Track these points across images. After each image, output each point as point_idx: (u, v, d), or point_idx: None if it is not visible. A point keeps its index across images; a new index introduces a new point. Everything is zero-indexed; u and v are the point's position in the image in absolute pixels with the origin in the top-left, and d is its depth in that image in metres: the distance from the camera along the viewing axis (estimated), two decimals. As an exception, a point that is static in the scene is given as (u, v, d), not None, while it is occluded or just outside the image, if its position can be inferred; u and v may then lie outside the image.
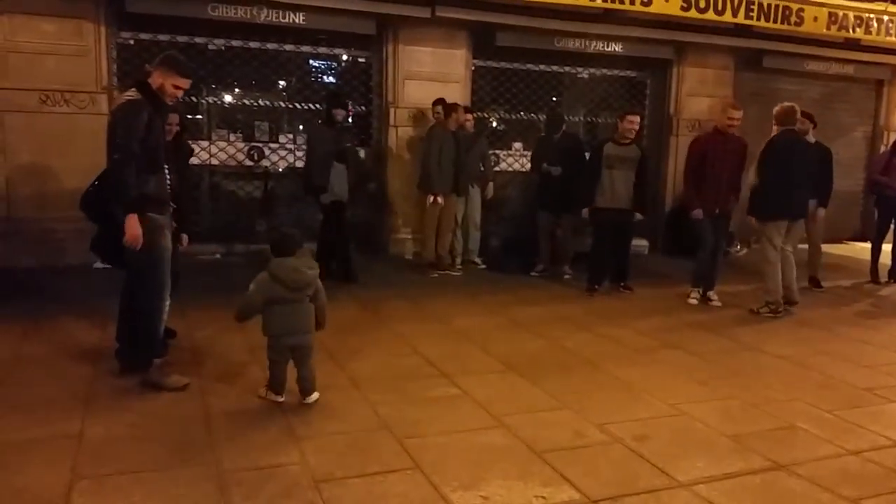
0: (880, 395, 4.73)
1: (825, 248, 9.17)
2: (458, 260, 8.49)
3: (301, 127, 9.10)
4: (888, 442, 3.95)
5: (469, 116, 8.25)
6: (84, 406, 4.00)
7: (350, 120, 7.64)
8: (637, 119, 7.34)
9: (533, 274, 8.22)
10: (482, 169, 8.47)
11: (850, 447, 3.85)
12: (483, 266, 8.52)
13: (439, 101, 8.07)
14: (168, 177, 4.61)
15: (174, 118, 5.15)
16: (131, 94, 4.26)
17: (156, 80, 4.29)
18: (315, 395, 4.15)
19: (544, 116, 9.07)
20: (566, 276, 8.16)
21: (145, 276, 4.34)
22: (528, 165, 9.72)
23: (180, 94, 4.39)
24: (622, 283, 7.54)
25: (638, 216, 7.37)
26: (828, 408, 4.42)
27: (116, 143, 4.14)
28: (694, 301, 7.17)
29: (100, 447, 3.52)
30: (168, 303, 4.50)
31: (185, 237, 5.24)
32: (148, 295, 4.37)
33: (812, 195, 7.36)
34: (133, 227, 4.12)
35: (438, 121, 8.01)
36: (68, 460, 3.35)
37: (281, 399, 4.11)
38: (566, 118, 9.96)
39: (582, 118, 10.46)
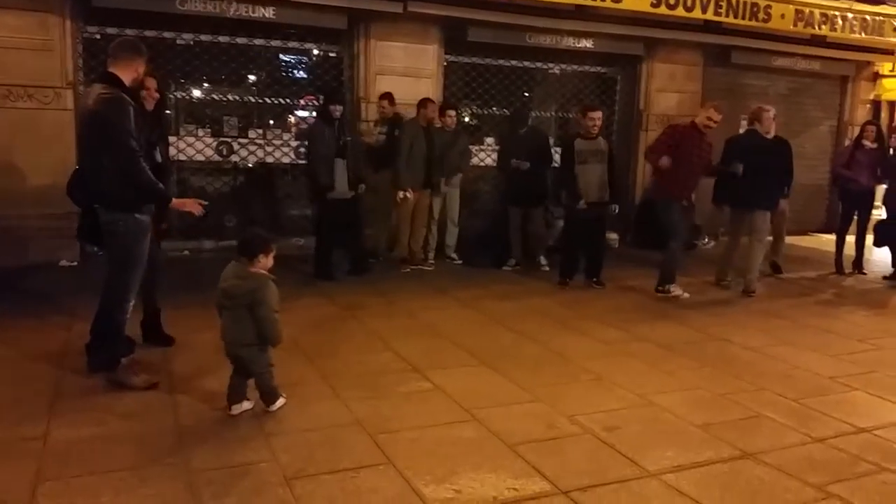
0: (844, 383, 4.83)
1: (791, 239, 9.34)
2: (432, 255, 8.50)
3: (272, 122, 9.04)
4: (852, 429, 4.03)
5: (452, 113, 8.25)
6: (49, 406, 3.94)
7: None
8: (598, 114, 7.40)
9: (505, 268, 8.25)
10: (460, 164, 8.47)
11: (816, 435, 3.93)
12: (459, 261, 8.53)
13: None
14: (158, 155, 4.74)
15: (152, 83, 4.91)
16: (108, 90, 4.12)
17: (130, 72, 4.20)
18: (277, 404, 3.97)
19: (509, 113, 9.10)
20: (543, 268, 8.22)
21: (117, 276, 4.30)
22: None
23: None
24: (594, 279, 7.57)
25: (614, 207, 7.42)
26: (794, 397, 4.50)
27: (121, 143, 4.05)
28: (683, 294, 7.08)
29: (66, 448, 3.47)
30: (132, 303, 4.43)
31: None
32: (116, 292, 4.32)
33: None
34: (185, 204, 4.32)
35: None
36: (33, 462, 3.30)
37: (230, 413, 3.90)
38: (536, 114, 10.07)
39: (553, 114, 10.51)
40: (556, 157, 8.35)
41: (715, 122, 6.98)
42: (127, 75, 4.20)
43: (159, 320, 5.11)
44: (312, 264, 7.50)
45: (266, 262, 3.89)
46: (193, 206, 4.37)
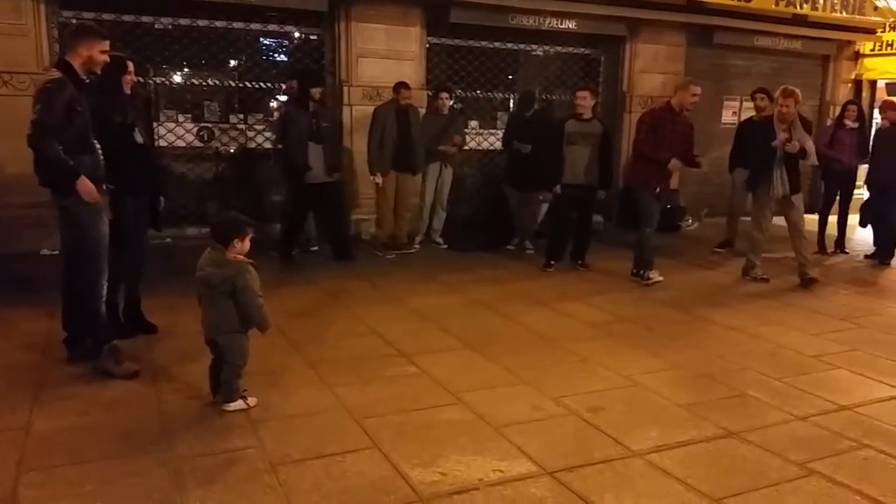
0: (827, 361, 4.88)
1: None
2: (418, 238, 8.48)
3: (254, 107, 8.95)
4: (834, 406, 4.08)
5: (444, 96, 8.18)
6: (32, 396, 3.91)
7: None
8: (586, 94, 7.30)
9: (509, 247, 8.33)
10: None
11: (799, 413, 3.97)
12: (444, 246, 8.50)
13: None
14: (139, 135, 4.70)
15: (130, 66, 4.87)
16: (53, 73, 4.12)
17: (81, 54, 4.12)
18: (233, 405, 3.78)
19: (516, 95, 9.02)
20: (528, 251, 8.25)
21: (83, 261, 4.25)
22: (485, 143, 9.78)
23: (107, 58, 4.22)
24: (580, 261, 7.57)
25: (601, 193, 7.38)
26: (777, 376, 4.54)
27: (32, 120, 3.96)
28: (660, 278, 6.97)
29: (49, 438, 3.45)
30: (105, 286, 4.37)
31: (161, 199, 5.14)
32: (85, 280, 4.28)
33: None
34: (86, 187, 4.05)
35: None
36: (15, 452, 3.27)
37: (222, 408, 3.80)
38: (546, 97, 10.03)
39: (537, 95, 10.45)
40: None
41: (698, 95, 6.95)
42: (76, 60, 4.14)
43: (140, 308, 5.07)
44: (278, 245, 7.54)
45: (242, 246, 3.77)
46: (91, 196, 4.10)
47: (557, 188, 7.28)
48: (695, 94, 6.90)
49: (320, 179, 7.35)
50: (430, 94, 8.94)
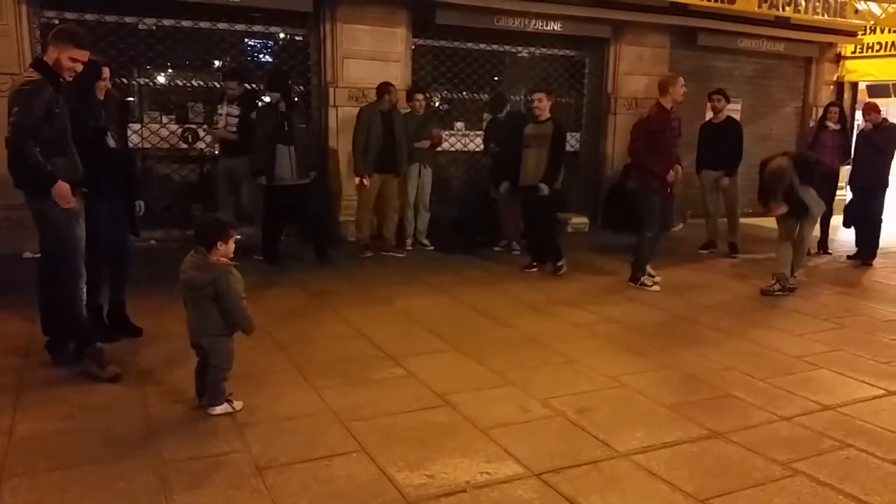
0: (810, 362, 4.92)
1: (757, 220, 9.48)
2: (409, 241, 8.47)
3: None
4: (817, 406, 4.12)
5: (419, 97, 8.20)
6: (15, 400, 3.87)
7: (296, 99, 7.53)
8: (541, 96, 7.33)
9: (497, 249, 8.39)
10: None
11: (782, 413, 4.00)
12: (431, 247, 8.50)
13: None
14: (111, 140, 4.68)
15: (105, 72, 4.89)
16: (29, 74, 4.05)
17: (50, 55, 4.06)
18: (218, 409, 3.75)
19: (487, 97, 9.06)
20: (514, 252, 8.31)
21: (58, 264, 4.22)
22: (471, 145, 9.80)
23: (79, 67, 4.13)
24: (554, 263, 7.44)
25: (543, 188, 7.18)
26: (761, 376, 4.58)
27: (10, 122, 3.91)
28: (653, 286, 6.88)
29: (32, 442, 3.41)
30: (84, 289, 4.33)
31: (140, 203, 5.09)
32: (62, 284, 4.24)
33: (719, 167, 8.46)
34: (62, 191, 4.00)
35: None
36: (-1, 457, 3.24)
37: (207, 412, 3.77)
38: (517, 98, 10.05)
39: (522, 97, 10.48)
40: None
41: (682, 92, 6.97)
42: (50, 58, 4.09)
43: (125, 311, 5.04)
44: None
45: (226, 248, 3.73)
46: (65, 200, 4.07)
47: (502, 187, 7.35)
48: (683, 86, 6.94)
49: (289, 182, 7.27)
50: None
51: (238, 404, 3.83)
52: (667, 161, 6.77)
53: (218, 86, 8.64)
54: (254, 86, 8.41)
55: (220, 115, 7.67)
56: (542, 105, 7.29)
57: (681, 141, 7.04)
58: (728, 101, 8.83)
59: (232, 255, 3.79)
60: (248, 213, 8.62)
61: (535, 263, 7.51)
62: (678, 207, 9.68)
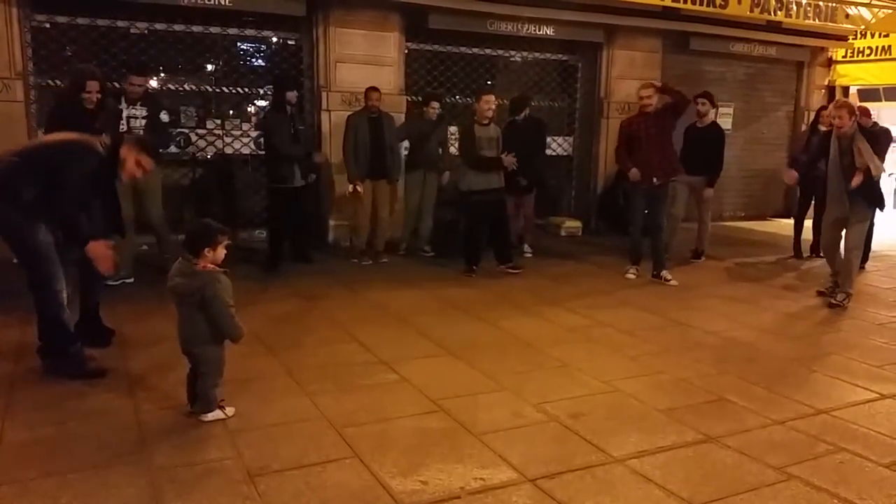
0: (805, 365, 4.93)
1: (750, 224, 9.52)
2: (403, 245, 8.42)
3: (232, 112, 8.88)
4: (811, 410, 4.11)
5: (436, 104, 8.11)
6: (5, 407, 3.83)
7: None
8: (491, 98, 7.39)
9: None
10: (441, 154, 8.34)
11: (777, 417, 4.00)
12: (431, 254, 8.40)
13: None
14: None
15: (94, 86, 5.18)
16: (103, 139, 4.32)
17: (124, 150, 4.28)
18: (210, 416, 3.72)
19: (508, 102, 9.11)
20: (526, 254, 8.39)
21: (27, 269, 4.26)
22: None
23: (139, 173, 4.39)
24: (507, 264, 7.55)
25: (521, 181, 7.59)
26: (755, 380, 4.58)
27: (71, 193, 4.12)
28: (631, 276, 7.42)
29: (23, 449, 3.38)
30: (65, 293, 4.33)
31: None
32: (34, 288, 4.26)
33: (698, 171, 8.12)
34: (100, 251, 4.19)
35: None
36: (-12, 465, 3.21)
37: (199, 419, 3.74)
38: (535, 103, 10.02)
39: (531, 101, 10.47)
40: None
41: (644, 97, 7.15)
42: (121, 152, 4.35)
43: (98, 313, 4.99)
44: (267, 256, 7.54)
45: (215, 255, 3.67)
46: (108, 262, 4.28)
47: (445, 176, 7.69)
48: (640, 97, 7.21)
49: (297, 184, 7.37)
50: (412, 100, 8.94)
51: (230, 410, 3.80)
52: (643, 165, 7.10)
53: (210, 89, 8.64)
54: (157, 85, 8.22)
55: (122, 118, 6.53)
56: (493, 107, 7.39)
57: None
58: (714, 106, 8.72)
59: (221, 262, 3.73)
60: (243, 218, 8.66)
61: (474, 267, 7.48)
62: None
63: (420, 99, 8.77)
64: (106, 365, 4.40)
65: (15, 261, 4.43)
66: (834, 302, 6.51)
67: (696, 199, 8.47)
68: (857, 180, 6.18)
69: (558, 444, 3.60)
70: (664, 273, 7.30)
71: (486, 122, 7.35)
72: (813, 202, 8.85)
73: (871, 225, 8.28)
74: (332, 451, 3.43)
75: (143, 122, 6.58)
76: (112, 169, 4.29)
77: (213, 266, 3.68)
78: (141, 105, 6.58)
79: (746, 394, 4.34)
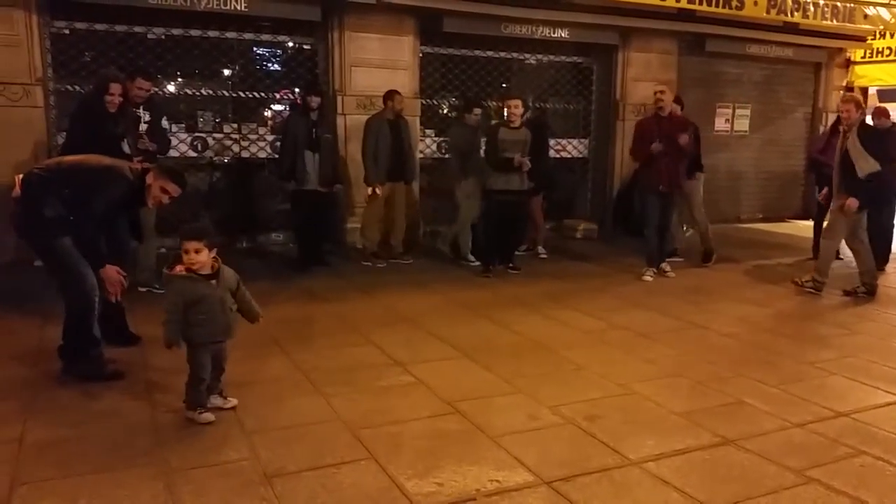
0: (823, 368, 4.87)
1: (768, 226, 9.45)
2: (469, 255, 8.18)
3: (249, 116, 8.93)
4: (831, 413, 4.07)
5: (478, 111, 8.04)
6: (24, 408, 3.87)
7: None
8: (517, 102, 7.41)
9: (519, 253, 8.27)
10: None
11: (795, 420, 3.96)
12: (452, 256, 8.32)
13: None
14: (126, 146, 5.24)
15: (117, 88, 5.31)
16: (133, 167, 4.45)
17: (150, 177, 4.35)
18: (189, 413, 3.78)
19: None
20: (541, 256, 8.41)
21: (60, 273, 4.32)
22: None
23: (165, 199, 4.41)
24: (510, 265, 7.69)
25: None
26: (773, 382, 4.54)
27: (95, 217, 4.25)
28: (648, 278, 7.43)
29: (42, 450, 3.41)
30: (97, 295, 4.37)
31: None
32: (68, 288, 4.31)
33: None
34: (111, 275, 4.28)
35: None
36: (8, 466, 3.24)
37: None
38: (537, 105, 10.05)
39: (530, 104, 10.49)
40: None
41: (659, 98, 7.24)
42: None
43: (125, 319, 5.06)
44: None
45: (190, 258, 3.65)
46: (118, 285, 4.37)
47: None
48: (656, 98, 7.31)
49: (313, 187, 7.37)
50: (452, 104, 8.88)
51: (232, 401, 3.91)
52: (655, 167, 7.25)
53: (227, 94, 8.70)
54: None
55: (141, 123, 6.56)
56: (520, 111, 7.43)
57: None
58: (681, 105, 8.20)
59: (196, 266, 3.69)
60: (261, 221, 8.71)
61: (490, 268, 7.57)
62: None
63: (460, 103, 8.75)
64: (123, 367, 4.43)
65: (37, 263, 4.48)
66: (801, 285, 7.02)
67: (687, 202, 8.23)
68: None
69: (574, 446, 3.58)
70: (663, 265, 7.61)
71: (513, 125, 7.35)
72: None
73: (891, 227, 8.22)
74: (347, 453, 3.44)
75: (146, 126, 6.62)
76: (138, 195, 4.38)
77: (180, 269, 3.70)
78: (144, 109, 6.61)
79: (764, 396, 4.30)
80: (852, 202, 6.54)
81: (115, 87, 5.43)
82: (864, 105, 6.79)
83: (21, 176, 4.39)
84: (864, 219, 6.83)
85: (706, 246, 8.32)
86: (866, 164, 6.48)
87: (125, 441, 3.52)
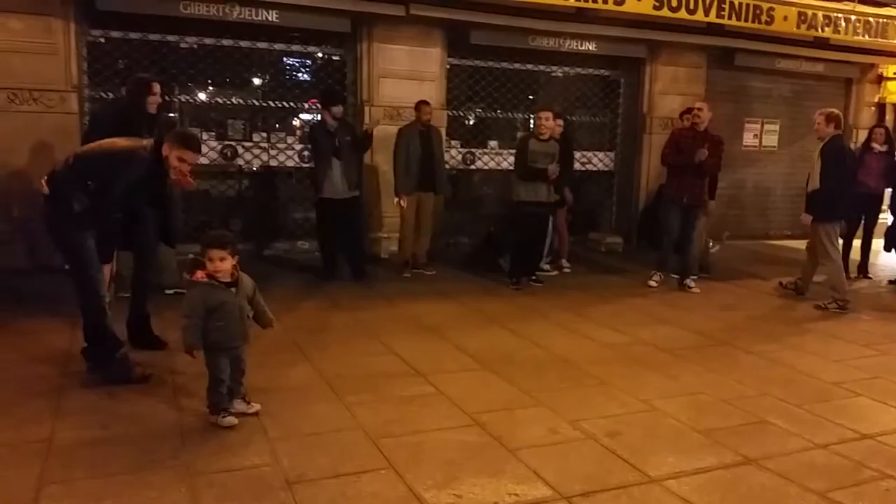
0: (848, 388, 4.81)
1: (796, 243, 9.32)
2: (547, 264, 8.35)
3: (277, 125, 9.05)
4: (855, 435, 4.02)
5: (559, 122, 7.86)
6: (54, 409, 3.95)
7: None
8: (548, 115, 7.39)
9: (544, 265, 8.26)
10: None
11: (819, 441, 3.92)
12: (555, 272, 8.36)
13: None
14: None
15: (158, 88, 5.33)
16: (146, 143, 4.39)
17: (165, 150, 4.31)
18: (213, 417, 3.85)
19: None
20: (565, 269, 8.41)
21: (77, 275, 4.39)
22: (504, 164, 9.77)
23: (185, 168, 4.36)
24: (532, 277, 7.71)
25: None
26: (797, 402, 4.49)
27: (114, 199, 4.29)
28: (654, 284, 7.69)
29: (70, 451, 3.48)
30: (108, 299, 4.49)
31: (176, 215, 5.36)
32: (82, 290, 4.39)
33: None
34: None
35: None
36: (37, 465, 3.31)
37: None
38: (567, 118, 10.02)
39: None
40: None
41: (696, 115, 7.42)
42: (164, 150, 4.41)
43: (149, 323, 5.14)
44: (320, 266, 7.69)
45: (215, 266, 3.72)
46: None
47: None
48: (694, 113, 7.51)
49: (340, 195, 7.42)
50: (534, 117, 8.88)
51: (256, 406, 3.97)
52: (679, 179, 7.45)
53: (257, 103, 8.82)
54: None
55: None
56: (549, 123, 7.38)
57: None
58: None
59: (219, 274, 3.75)
60: (288, 229, 8.79)
61: (519, 280, 7.57)
62: (715, 228, 9.59)
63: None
64: (150, 370, 4.50)
65: (67, 266, 4.57)
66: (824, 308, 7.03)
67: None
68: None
69: (594, 462, 3.58)
70: (688, 281, 7.66)
71: (543, 137, 7.37)
72: (863, 222, 8.66)
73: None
74: (367, 462, 3.47)
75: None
76: (159, 169, 4.33)
77: (202, 275, 3.76)
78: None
79: (787, 416, 4.26)
80: (804, 217, 7.03)
81: (157, 87, 5.39)
82: (833, 118, 7.28)
83: (45, 178, 4.45)
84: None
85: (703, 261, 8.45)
86: (813, 182, 7.02)
87: (151, 444, 3.58)
